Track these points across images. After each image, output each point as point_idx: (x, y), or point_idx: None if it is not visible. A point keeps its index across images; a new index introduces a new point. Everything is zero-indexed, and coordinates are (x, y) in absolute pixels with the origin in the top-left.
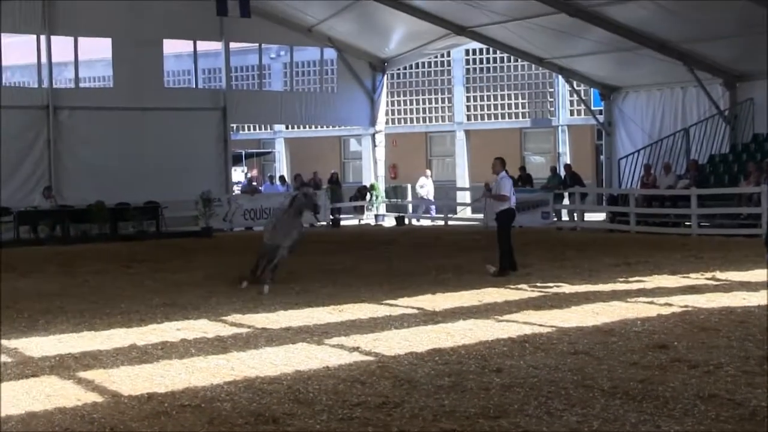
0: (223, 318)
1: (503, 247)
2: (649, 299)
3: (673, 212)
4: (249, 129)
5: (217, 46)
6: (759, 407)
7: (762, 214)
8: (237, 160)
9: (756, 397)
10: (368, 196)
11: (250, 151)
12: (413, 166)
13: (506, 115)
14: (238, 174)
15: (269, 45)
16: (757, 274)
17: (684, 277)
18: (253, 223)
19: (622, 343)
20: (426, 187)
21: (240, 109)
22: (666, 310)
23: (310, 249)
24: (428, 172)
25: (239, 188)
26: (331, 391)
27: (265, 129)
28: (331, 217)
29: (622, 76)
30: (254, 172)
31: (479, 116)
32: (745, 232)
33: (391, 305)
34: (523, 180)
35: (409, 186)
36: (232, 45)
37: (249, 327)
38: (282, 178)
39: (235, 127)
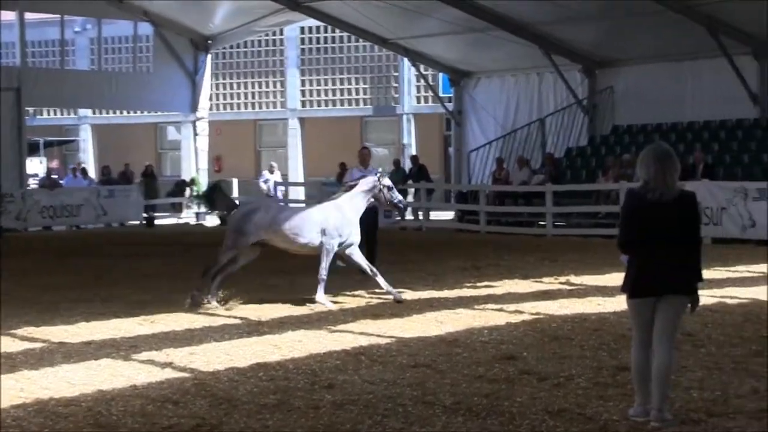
0: (12, 331)
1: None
2: (498, 306)
3: (526, 210)
4: (49, 113)
5: (9, 16)
6: (610, 421)
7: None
8: (34, 150)
9: (608, 411)
10: (188, 192)
11: (50, 139)
12: (240, 157)
13: (346, 101)
14: (35, 165)
15: (73, 17)
16: (613, 278)
17: (536, 281)
18: (53, 222)
19: (467, 355)
20: (270, 183)
21: (38, 89)
22: (516, 318)
23: (117, 251)
24: (274, 164)
25: (36, 182)
26: (138, 413)
27: (69, 114)
28: (145, 215)
29: (473, 61)
30: (55, 163)
31: (315, 102)
32: (603, 232)
33: (210, 315)
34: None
35: (235, 180)
36: (28, 15)
37: (44, 341)
38: (84, 170)
39: (31, 111)
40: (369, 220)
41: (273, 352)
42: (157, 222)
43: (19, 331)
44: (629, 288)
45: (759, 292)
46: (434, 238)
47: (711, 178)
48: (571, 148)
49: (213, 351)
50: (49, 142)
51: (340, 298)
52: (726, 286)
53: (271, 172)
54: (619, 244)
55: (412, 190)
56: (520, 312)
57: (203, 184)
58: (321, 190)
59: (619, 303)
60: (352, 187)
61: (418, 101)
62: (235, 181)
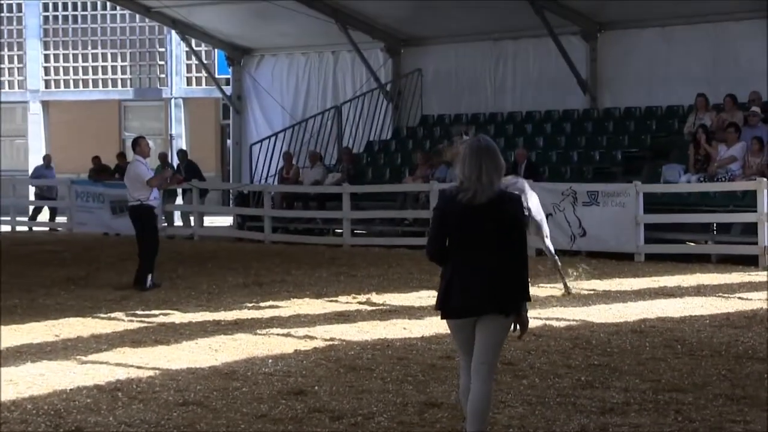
0: None
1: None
2: (285, 331)
3: (320, 216)
4: None
5: None
6: None
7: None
8: None
9: None
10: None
11: None
12: None
13: (101, 82)
14: None
15: None
16: (421, 297)
17: (331, 300)
18: None
19: (247, 389)
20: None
21: None
22: (306, 345)
23: None
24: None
25: None
26: None
27: None
28: None
29: (256, 35)
30: None
31: (63, 82)
32: (410, 242)
33: None
34: (122, 171)
35: None
36: None
37: None
38: None
39: None
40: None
41: (7, 389)
42: None
43: None
44: (440, 306)
45: (589, 313)
46: (208, 249)
47: (535, 179)
48: (372, 142)
49: None
50: None
51: (90, 321)
52: (552, 306)
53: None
54: (427, 253)
55: (180, 191)
56: (311, 338)
57: None
58: (70, 190)
59: (429, 326)
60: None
61: (189, 83)
62: None
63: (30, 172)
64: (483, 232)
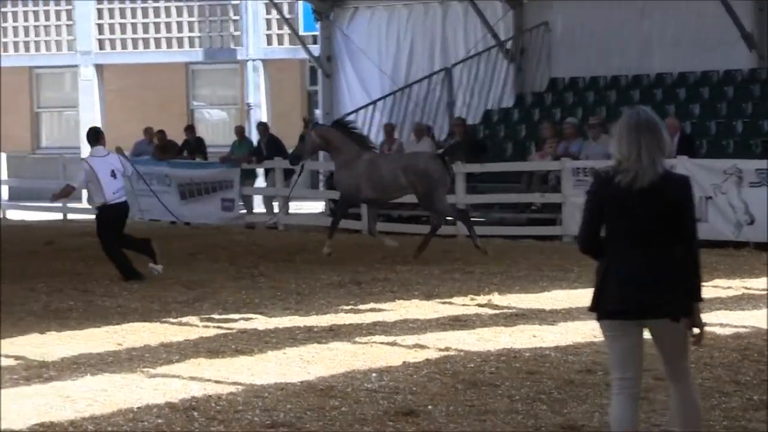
0: None
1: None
2: (391, 338)
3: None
4: None
5: None
6: None
7: (563, 204)
8: None
9: None
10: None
11: None
12: (10, 122)
13: (164, 41)
14: None
15: None
16: (554, 298)
17: (444, 302)
18: None
19: (347, 409)
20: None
21: None
22: (416, 356)
23: None
24: None
25: None
26: None
27: None
28: None
29: None
30: None
31: (119, 43)
32: (538, 231)
33: None
34: (192, 148)
35: (3, 156)
36: None
37: None
38: None
39: None
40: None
41: (63, 406)
42: None
43: None
44: (595, 306)
45: (761, 318)
46: (296, 241)
47: (690, 155)
48: (490, 111)
49: None
50: None
51: (159, 326)
52: (715, 309)
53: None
54: (579, 243)
55: (261, 171)
56: (422, 347)
57: None
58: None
59: (564, 334)
60: None
61: (269, 42)
62: (2, 157)
63: (81, 148)
64: (645, 219)
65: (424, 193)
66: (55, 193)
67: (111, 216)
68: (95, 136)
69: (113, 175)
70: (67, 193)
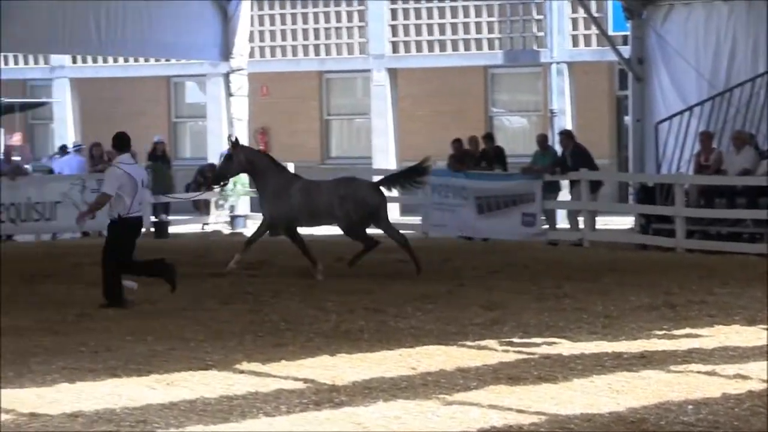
0: None
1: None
2: (709, 367)
3: (750, 216)
4: (7, 62)
5: None
6: None
7: None
8: None
9: None
10: (219, 184)
11: (8, 101)
12: (297, 130)
13: (461, 43)
14: None
15: None
16: None
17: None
18: (15, 229)
19: None
20: None
21: None
22: (737, 387)
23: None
24: None
25: None
26: None
27: (36, 63)
28: (153, 218)
29: None
30: (16, 138)
31: (414, 45)
32: None
33: (257, 374)
34: (490, 158)
35: (291, 166)
36: None
37: (7, 411)
38: (64, 148)
39: None
40: None
41: None
42: (171, 230)
43: None
44: None
45: None
46: (603, 259)
47: None
48: None
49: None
50: (7, 106)
51: (454, 350)
52: None
53: None
54: None
55: (566, 183)
56: (744, 377)
57: None
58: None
59: None
60: None
61: (575, 43)
62: (290, 167)
63: (373, 158)
64: None
65: (361, 219)
66: (87, 210)
67: (128, 229)
68: (125, 143)
69: (142, 184)
70: (103, 203)
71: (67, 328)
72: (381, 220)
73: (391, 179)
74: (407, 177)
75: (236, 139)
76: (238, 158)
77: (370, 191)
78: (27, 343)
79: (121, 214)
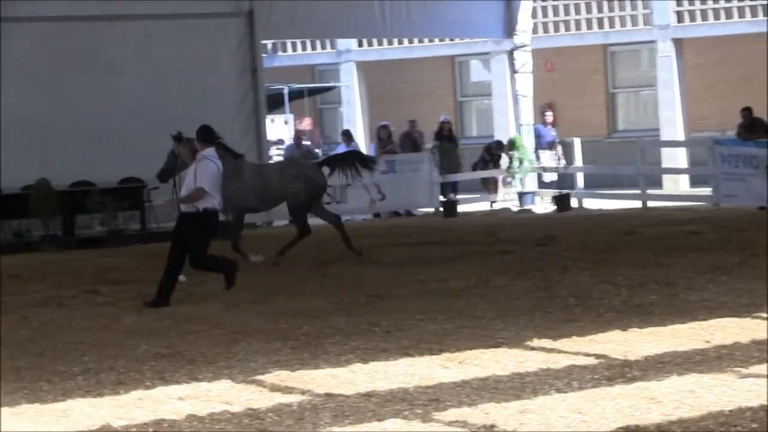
0: (259, 377)
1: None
2: None
3: None
4: (295, 48)
5: None
6: None
7: None
8: (275, 103)
9: None
10: (505, 161)
11: (297, 86)
12: (583, 105)
13: (748, 10)
14: (278, 127)
15: None
16: None
17: None
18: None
19: None
20: None
21: (278, 15)
22: None
23: (399, 254)
24: None
25: (282, 151)
26: None
27: (323, 48)
28: (442, 198)
29: None
30: (306, 124)
31: (699, 14)
32: None
33: (548, 351)
34: None
35: (577, 141)
36: None
37: (303, 392)
38: (347, 132)
39: (270, 46)
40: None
41: (648, 409)
42: (460, 208)
43: (268, 378)
44: None
45: None
46: None
47: None
48: None
49: (556, 408)
50: (296, 92)
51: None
52: None
53: None
54: None
55: None
56: None
57: (528, 148)
58: (712, 152)
59: None
60: None
61: None
62: (576, 142)
63: (660, 130)
64: None
65: (309, 199)
66: (178, 198)
67: (212, 222)
68: (211, 136)
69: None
70: (198, 197)
71: (359, 309)
72: (319, 202)
73: (332, 161)
74: (350, 160)
75: (178, 133)
76: (183, 153)
77: (318, 171)
78: (321, 325)
79: (210, 207)
